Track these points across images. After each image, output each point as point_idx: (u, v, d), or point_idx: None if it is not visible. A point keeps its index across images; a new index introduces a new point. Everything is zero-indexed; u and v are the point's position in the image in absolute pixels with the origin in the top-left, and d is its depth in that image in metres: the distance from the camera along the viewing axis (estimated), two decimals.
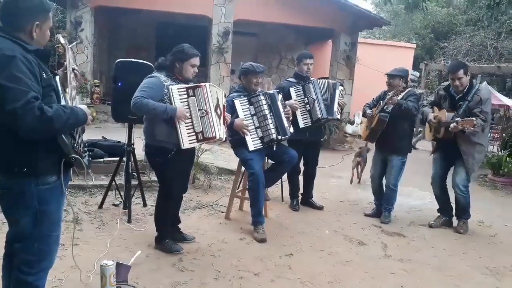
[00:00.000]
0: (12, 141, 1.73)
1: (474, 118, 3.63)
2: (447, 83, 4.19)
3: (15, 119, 1.60)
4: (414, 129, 4.38)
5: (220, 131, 3.06)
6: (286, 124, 3.80)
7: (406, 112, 3.98)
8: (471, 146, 3.89)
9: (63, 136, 1.80)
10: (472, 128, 3.61)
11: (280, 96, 3.89)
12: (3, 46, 1.66)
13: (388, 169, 4.23)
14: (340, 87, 4.40)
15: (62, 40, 2.11)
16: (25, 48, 1.72)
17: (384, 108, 4.09)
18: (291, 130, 3.94)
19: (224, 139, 3.24)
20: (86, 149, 2.05)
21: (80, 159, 1.88)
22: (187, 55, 3.00)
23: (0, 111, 1.62)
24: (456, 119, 3.70)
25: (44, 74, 1.76)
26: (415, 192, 5.62)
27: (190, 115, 2.96)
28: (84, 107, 1.94)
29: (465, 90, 3.86)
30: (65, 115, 1.74)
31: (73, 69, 2.03)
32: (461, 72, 3.82)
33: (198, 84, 3.01)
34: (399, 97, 4.04)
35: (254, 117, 3.71)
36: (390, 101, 3.99)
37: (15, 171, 1.78)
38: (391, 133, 4.07)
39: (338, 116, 4.48)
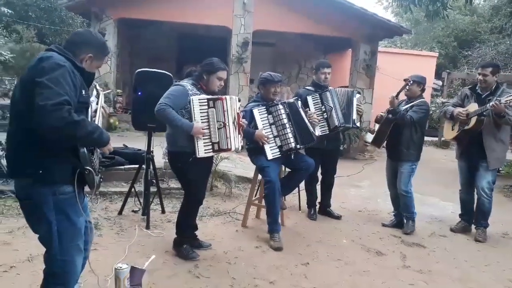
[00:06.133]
0: (31, 144, 1.83)
1: None
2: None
3: (43, 115, 1.68)
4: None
5: (236, 143, 3.12)
6: (311, 129, 3.80)
7: (400, 120, 4.00)
8: (495, 141, 3.97)
9: (84, 149, 1.91)
10: None
11: (299, 103, 3.89)
12: (57, 58, 1.85)
13: (398, 176, 4.19)
14: (358, 95, 4.40)
15: (98, 87, 2.33)
16: (75, 64, 1.91)
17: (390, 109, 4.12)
18: (317, 133, 3.96)
19: (240, 149, 3.28)
20: (99, 170, 2.12)
21: (93, 173, 1.96)
22: (214, 68, 3.11)
23: (32, 107, 1.71)
24: (498, 98, 3.73)
25: (83, 92, 1.91)
26: (436, 202, 5.50)
27: (209, 125, 3.03)
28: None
29: (492, 89, 3.94)
30: (90, 127, 1.85)
31: (103, 107, 2.24)
32: (488, 69, 3.93)
33: (219, 96, 3.08)
34: (405, 106, 4.08)
35: (273, 126, 3.73)
36: (390, 103, 4.06)
37: (27, 173, 1.86)
38: (397, 141, 4.11)
39: (358, 124, 4.47)
